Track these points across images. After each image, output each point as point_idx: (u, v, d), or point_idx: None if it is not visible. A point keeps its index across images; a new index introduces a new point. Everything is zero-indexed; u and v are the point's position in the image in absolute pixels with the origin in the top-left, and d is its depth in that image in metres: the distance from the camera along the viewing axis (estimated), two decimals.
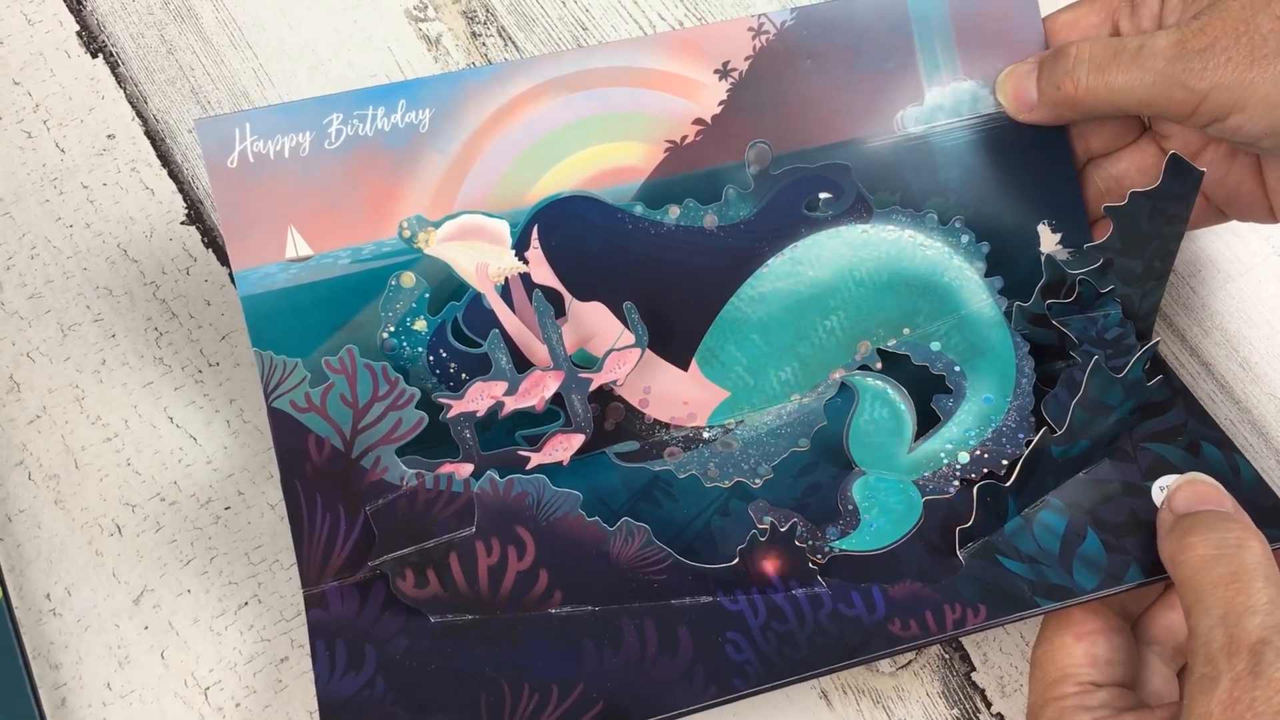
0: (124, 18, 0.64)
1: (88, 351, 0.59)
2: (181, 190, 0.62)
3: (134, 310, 0.59)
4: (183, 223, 0.61)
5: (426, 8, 0.66)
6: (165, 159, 0.62)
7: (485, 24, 0.65)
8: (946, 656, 0.56)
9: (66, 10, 0.64)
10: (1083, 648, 0.48)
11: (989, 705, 0.55)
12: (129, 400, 0.58)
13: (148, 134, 0.62)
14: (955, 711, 0.55)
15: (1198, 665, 0.42)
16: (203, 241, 0.61)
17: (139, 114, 0.63)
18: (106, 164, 0.62)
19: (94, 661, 0.54)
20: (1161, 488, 0.51)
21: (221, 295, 0.60)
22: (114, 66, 0.63)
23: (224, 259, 0.61)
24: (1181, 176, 0.51)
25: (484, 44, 0.65)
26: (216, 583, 0.55)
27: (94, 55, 0.64)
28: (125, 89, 0.63)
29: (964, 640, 0.56)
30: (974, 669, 0.56)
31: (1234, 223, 0.59)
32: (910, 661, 0.56)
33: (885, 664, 0.56)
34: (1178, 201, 0.51)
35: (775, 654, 0.47)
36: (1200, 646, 0.42)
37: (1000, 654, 0.56)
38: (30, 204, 0.61)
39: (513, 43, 0.65)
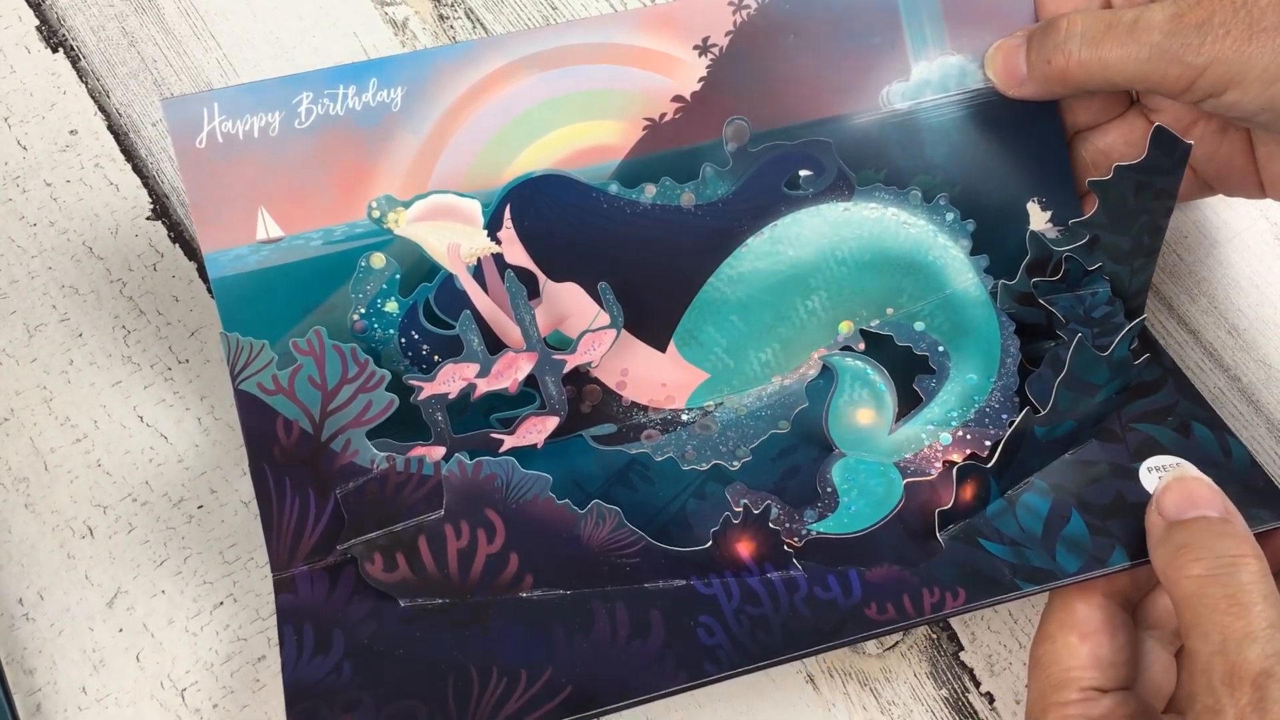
0: (84, 11, 0.63)
1: (55, 352, 0.58)
2: (146, 185, 0.61)
3: (101, 308, 0.59)
4: (148, 218, 0.60)
5: None
6: (129, 154, 0.61)
7: (453, 6, 0.64)
8: (934, 636, 0.55)
9: (25, 4, 0.63)
10: (1087, 649, 0.47)
11: (978, 685, 0.54)
12: (98, 400, 0.57)
13: (111, 129, 0.61)
14: (944, 692, 0.54)
15: (1199, 694, 0.41)
16: (169, 236, 0.60)
17: (101, 109, 0.62)
18: (70, 160, 0.61)
19: (68, 666, 0.53)
20: (1150, 469, 0.50)
21: (190, 291, 0.59)
22: (75, 61, 0.62)
23: (191, 254, 0.60)
24: (1168, 149, 0.50)
25: (452, 26, 0.64)
26: (191, 583, 0.55)
27: (54, 50, 0.63)
28: (87, 83, 0.62)
29: (952, 620, 0.55)
30: (962, 649, 0.55)
31: None
32: (897, 642, 0.55)
33: (872, 645, 0.55)
34: (1165, 175, 0.50)
35: (748, 638, 0.46)
36: (1200, 675, 0.41)
37: (989, 633, 0.55)
38: None
39: (481, 24, 0.64)
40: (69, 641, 0.54)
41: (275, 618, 0.53)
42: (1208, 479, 0.47)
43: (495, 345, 0.51)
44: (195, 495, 0.56)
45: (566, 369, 0.51)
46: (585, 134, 0.52)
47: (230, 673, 0.54)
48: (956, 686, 0.54)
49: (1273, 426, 0.58)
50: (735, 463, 0.52)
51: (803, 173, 0.53)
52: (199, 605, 0.55)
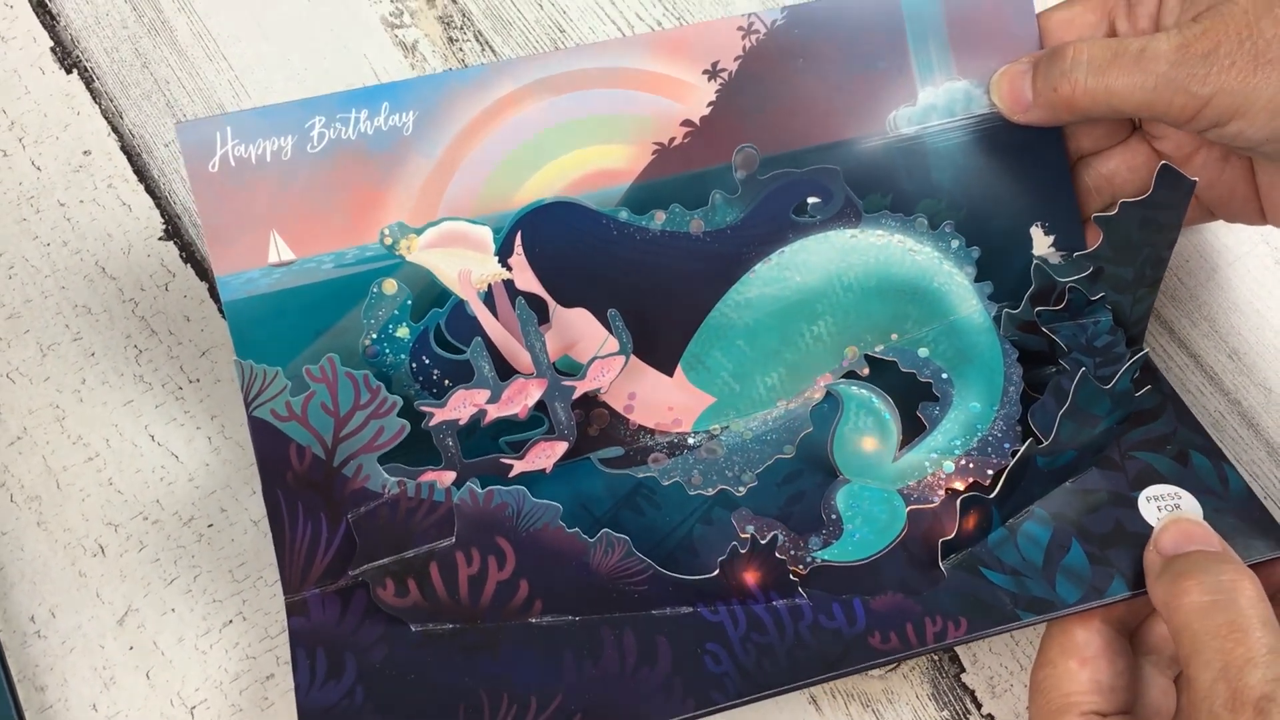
0: (98, 32, 0.63)
1: (67, 371, 0.58)
2: (159, 205, 0.61)
3: (113, 328, 0.59)
4: (160, 238, 0.61)
5: (402, 14, 0.65)
6: (142, 174, 0.61)
7: (462, 29, 0.65)
8: (936, 658, 0.56)
9: (40, 26, 0.64)
10: (1087, 674, 0.47)
11: (979, 706, 0.55)
12: (110, 419, 0.58)
13: (124, 149, 0.62)
14: (945, 713, 0.55)
15: None
16: (181, 257, 0.60)
17: (114, 129, 0.62)
18: (83, 180, 0.61)
19: (79, 683, 0.54)
20: (1149, 498, 0.50)
21: (201, 311, 0.60)
22: (89, 82, 0.63)
23: (203, 274, 0.60)
24: (1172, 185, 0.50)
25: (461, 49, 0.64)
26: (201, 601, 0.55)
27: (68, 71, 0.63)
28: (100, 104, 0.62)
29: None
30: (963, 670, 0.56)
31: None
32: (899, 664, 0.56)
33: None
34: (1169, 210, 0.51)
35: (754, 666, 0.47)
36: (1202, 701, 0.42)
37: (990, 654, 0.56)
38: (7, 223, 0.60)
39: (490, 47, 0.64)
40: (80, 659, 0.54)
41: (284, 636, 0.54)
42: (1204, 522, 0.48)
43: (505, 370, 0.51)
44: (205, 514, 0.57)
45: (576, 395, 0.51)
46: (595, 158, 0.53)
47: (239, 691, 0.54)
48: (958, 708, 0.55)
49: (1272, 450, 0.59)
50: (741, 488, 0.52)
51: (811, 200, 0.53)
52: (208, 623, 0.55)
